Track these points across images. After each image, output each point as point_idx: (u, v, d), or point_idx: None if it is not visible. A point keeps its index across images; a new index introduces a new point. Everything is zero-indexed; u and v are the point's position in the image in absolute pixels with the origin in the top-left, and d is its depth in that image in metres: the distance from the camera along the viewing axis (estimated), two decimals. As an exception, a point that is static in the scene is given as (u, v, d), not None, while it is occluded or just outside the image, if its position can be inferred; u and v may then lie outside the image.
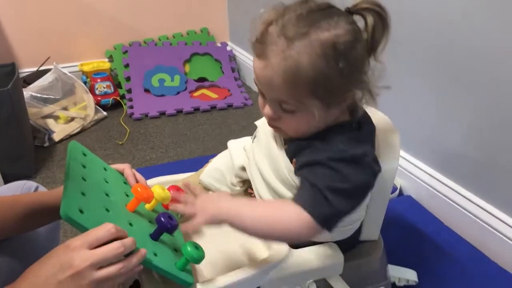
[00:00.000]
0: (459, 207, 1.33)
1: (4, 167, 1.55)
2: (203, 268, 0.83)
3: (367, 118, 0.80)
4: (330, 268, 0.83)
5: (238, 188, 0.96)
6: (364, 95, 0.73)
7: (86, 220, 0.64)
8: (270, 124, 0.79)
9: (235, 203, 0.73)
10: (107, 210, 0.70)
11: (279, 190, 0.80)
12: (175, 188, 0.85)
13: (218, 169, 0.97)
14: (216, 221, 0.71)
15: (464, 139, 1.30)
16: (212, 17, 2.71)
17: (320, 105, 0.70)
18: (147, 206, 0.80)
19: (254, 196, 0.91)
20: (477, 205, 1.29)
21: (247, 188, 0.97)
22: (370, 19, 0.69)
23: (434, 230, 1.36)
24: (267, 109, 0.75)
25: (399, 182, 1.54)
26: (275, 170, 0.81)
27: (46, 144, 1.92)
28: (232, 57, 2.64)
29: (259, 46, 0.70)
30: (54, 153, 1.89)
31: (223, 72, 2.57)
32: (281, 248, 0.81)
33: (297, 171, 0.76)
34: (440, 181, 1.40)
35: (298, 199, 0.72)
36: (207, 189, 0.98)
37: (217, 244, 0.89)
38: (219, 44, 2.71)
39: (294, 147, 0.77)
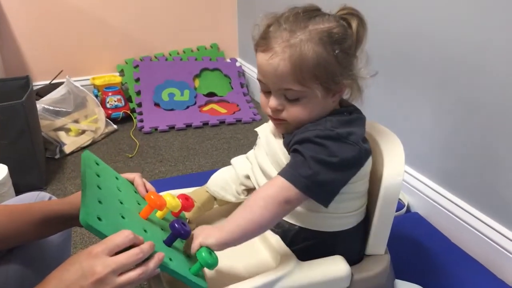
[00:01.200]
0: (466, 225, 1.33)
1: (15, 178, 1.57)
2: (212, 278, 0.84)
3: (357, 109, 0.87)
4: (337, 280, 0.84)
5: (242, 196, 0.98)
6: (353, 89, 0.83)
7: (104, 227, 0.65)
8: (274, 118, 0.84)
9: (226, 222, 0.77)
10: (123, 217, 0.72)
11: None
12: (183, 196, 0.87)
13: (223, 178, 1.00)
14: (223, 243, 0.75)
15: (471, 156, 1.30)
16: (222, 33, 2.76)
17: (321, 90, 0.79)
18: (158, 214, 0.82)
19: None
20: (484, 223, 1.28)
21: None
22: (354, 23, 0.81)
23: (441, 247, 1.35)
24: (272, 102, 0.82)
25: (406, 199, 1.55)
26: (275, 163, 0.86)
27: (57, 156, 1.95)
28: (241, 73, 2.67)
29: (263, 42, 0.80)
30: (65, 165, 1.91)
31: (232, 88, 2.61)
32: (289, 260, 0.82)
33: (289, 150, 0.81)
34: (448, 199, 1.40)
35: (282, 171, 0.78)
36: (213, 197, 1.01)
37: (225, 254, 0.90)
38: (228, 60, 2.74)
39: (290, 136, 0.82)
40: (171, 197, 0.81)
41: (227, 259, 0.89)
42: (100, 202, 0.70)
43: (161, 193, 0.96)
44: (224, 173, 1.02)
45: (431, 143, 1.44)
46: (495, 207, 1.26)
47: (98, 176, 0.79)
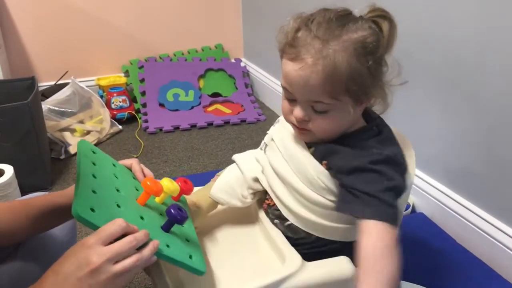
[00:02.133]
0: (471, 225, 1.33)
1: (21, 178, 1.58)
2: (218, 278, 0.84)
3: (381, 120, 0.85)
4: (343, 281, 0.84)
5: (249, 200, 0.94)
6: (382, 94, 0.80)
7: (97, 218, 0.65)
8: (299, 127, 0.81)
9: None
10: (118, 206, 0.72)
11: (305, 192, 0.82)
12: (182, 180, 0.86)
13: (228, 183, 0.96)
14: None
15: (477, 157, 1.30)
16: (226, 33, 2.76)
17: (351, 102, 0.76)
18: (157, 199, 0.81)
19: (272, 204, 0.91)
20: (490, 223, 1.28)
21: (260, 199, 0.97)
22: (385, 25, 0.76)
23: (447, 247, 1.35)
24: (297, 112, 0.79)
25: (412, 199, 1.54)
26: (299, 173, 0.83)
27: (62, 157, 1.96)
28: (245, 73, 2.67)
29: (293, 50, 0.74)
30: (70, 165, 1.92)
31: (236, 88, 2.61)
32: (295, 260, 0.82)
33: (337, 176, 0.79)
34: (453, 199, 1.40)
35: (369, 215, 0.73)
36: (217, 203, 0.97)
37: (231, 254, 0.90)
38: (233, 60, 2.75)
39: (324, 149, 0.81)
40: (168, 181, 0.80)
41: (233, 259, 0.89)
42: (94, 191, 0.70)
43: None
44: (228, 176, 0.97)
45: (436, 144, 1.44)
46: (500, 207, 1.26)
47: (94, 164, 0.78)
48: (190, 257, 0.73)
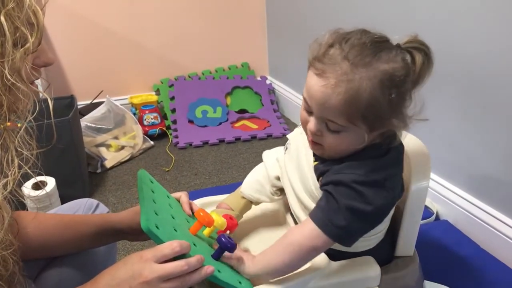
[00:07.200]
0: (495, 231, 1.35)
1: (61, 190, 1.66)
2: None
3: (395, 139, 0.83)
4: (368, 279, 0.88)
5: (276, 197, 1.01)
6: (400, 125, 0.78)
7: (162, 234, 0.72)
8: (312, 139, 0.82)
9: (260, 256, 0.82)
10: (175, 230, 0.78)
11: (306, 203, 0.87)
12: (228, 216, 0.92)
13: (257, 181, 1.02)
14: (254, 275, 0.81)
15: (500, 164, 1.32)
16: (252, 52, 2.84)
17: (365, 129, 0.76)
18: (205, 231, 0.87)
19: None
20: (514, 229, 1.31)
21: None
22: (419, 57, 0.75)
23: (471, 253, 1.37)
24: (311, 125, 0.79)
25: (435, 207, 1.57)
26: (303, 183, 0.88)
27: (99, 171, 2.05)
28: (271, 90, 2.75)
29: (320, 66, 0.74)
30: (106, 178, 2.01)
31: (262, 104, 2.68)
32: (321, 260, 0.87)
33: (322, 186, 0.82)
34: (476, 205, 1.42)
35: (314, 216, 0.79)
36: (249, 201, 1.03)
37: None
38: (259, 78, 2.82)
39: (323, 167, 0.83)
40: (217, 215, 0.85)
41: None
42: (156, 213, 0.76)
43: (196, 200, 1.02)
44: (258, 174, 1.04)
45: (459, 152, 1.47)
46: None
47: (152, 192, 0.85)
48: (240, 282, 0.79)
